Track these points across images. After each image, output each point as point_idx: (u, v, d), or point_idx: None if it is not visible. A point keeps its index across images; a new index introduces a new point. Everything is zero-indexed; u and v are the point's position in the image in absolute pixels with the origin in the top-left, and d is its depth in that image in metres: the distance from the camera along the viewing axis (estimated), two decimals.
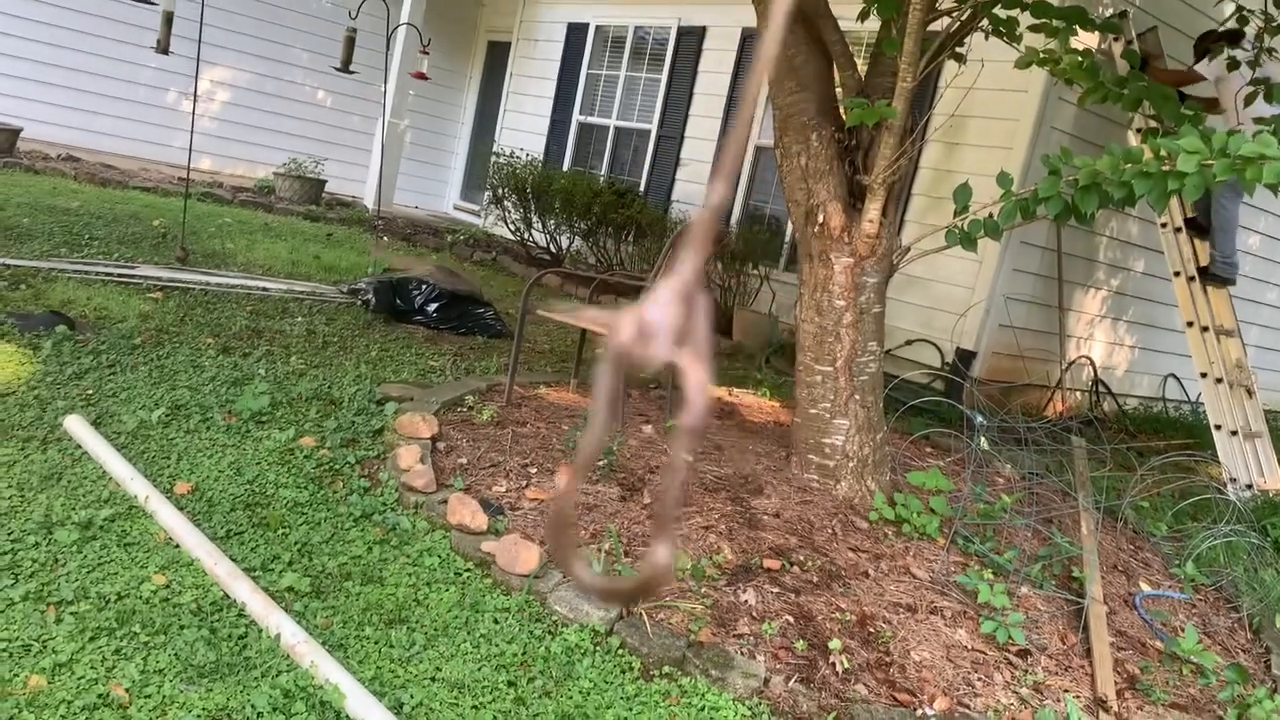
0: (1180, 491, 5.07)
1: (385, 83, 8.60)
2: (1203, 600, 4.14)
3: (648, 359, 0.68)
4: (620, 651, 2.83)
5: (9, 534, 2.86)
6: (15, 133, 8.97)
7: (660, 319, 0.68)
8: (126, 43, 10.39)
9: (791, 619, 3.13)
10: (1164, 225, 6.36)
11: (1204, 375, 6.15)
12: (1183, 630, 3.63)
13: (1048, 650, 3.32)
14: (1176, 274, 6.30)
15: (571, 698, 2.60)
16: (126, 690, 2.30)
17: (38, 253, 5.80)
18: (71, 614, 2.55)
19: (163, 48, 6.55)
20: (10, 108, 9.86)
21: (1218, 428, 6.03)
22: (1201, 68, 6.50)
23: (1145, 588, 4.08)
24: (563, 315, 5.09)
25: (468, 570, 3.15)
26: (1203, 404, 6.42)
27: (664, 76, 9.97)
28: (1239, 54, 5.83)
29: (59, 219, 6.74)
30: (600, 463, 3.95)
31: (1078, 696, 3.05)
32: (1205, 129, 3.55)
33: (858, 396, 4.23)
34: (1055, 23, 4.33)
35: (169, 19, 6.52)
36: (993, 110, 6.80)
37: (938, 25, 4.24)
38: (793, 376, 4.53)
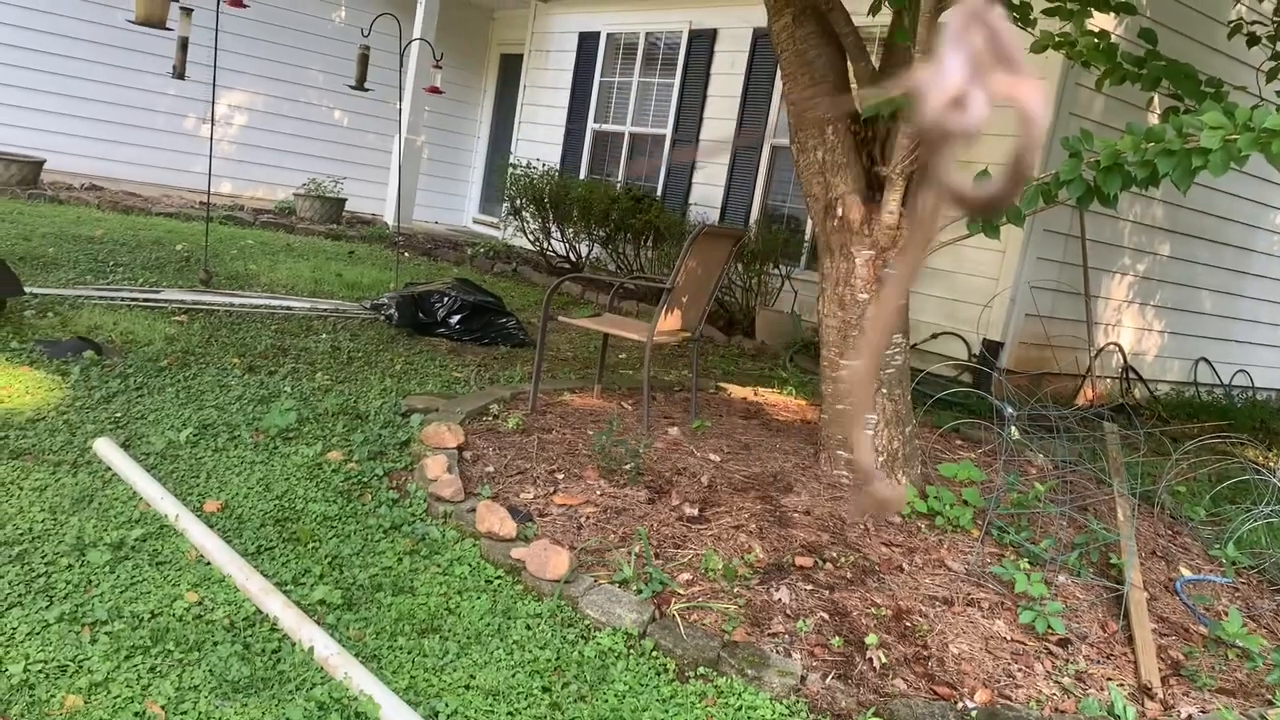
0: (1217, 475, 4.99)
1: (400, 99, 8.65)
2: (1245, 583, 4.06)
3: (969, 123, 0.53)
4: (654, 654, 2.81)
5: (42, 557, 2.87)
6: (39, 165, 9.09)
7: (961, 69, 0.54)
8: (144, 71, 10.52)
9: (826, 616, 3.09)
10: None
11: None
12: (1226, 614, 3.56)
13: (1088, 639, 3.26)
14: None
15: (607, 701, 2.58)
16: (162, 707, 2.30)
17: (64, 281, 5.87)
18: (106, 634, 2.56)
19: (179, 73, 6.62)
20: (34, 140, 10.01)
21: None
22: None
23: (1185, 572, 4.01)
24: (584, 321, 5.08)
25: (498, 577, 3.14)
26: (1235, 387, 6.32)
27: (677, 81, 9.96)
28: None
29: (84, 247, 6.82)
30: (626, 466, 3.94)
31: (1121, 684, 3.00)
32: (1228, 104, 3.49)
33: (884, 390, 4.19)
34: (1070, 5, 4.28)
35: (184, 44, 6.58)
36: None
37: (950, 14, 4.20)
38: (817, 375, 4.50)
